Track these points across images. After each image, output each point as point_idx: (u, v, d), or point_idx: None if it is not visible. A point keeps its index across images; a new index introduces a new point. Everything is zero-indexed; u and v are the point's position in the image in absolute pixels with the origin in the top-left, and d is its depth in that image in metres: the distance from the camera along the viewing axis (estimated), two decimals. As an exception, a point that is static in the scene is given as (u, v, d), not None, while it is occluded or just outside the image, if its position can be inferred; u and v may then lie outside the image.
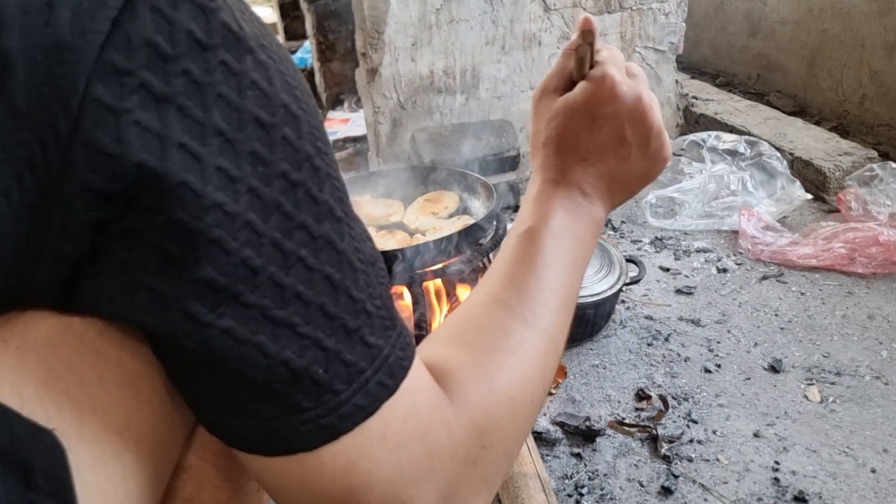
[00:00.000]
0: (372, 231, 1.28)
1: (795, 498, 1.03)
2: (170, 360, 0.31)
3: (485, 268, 1.25)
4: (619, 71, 0.52)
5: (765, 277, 1.61)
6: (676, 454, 1.11)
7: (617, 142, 0.52)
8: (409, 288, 1.13)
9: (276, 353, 0.30)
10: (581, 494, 1.05)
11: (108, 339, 0.30)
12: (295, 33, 3.49)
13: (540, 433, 1.16)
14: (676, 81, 2.32)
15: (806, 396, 1.24)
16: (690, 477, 1.07)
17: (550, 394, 1.26)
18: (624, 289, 1.47)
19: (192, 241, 0.27)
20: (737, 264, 1.68)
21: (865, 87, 2.33)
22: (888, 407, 1.20)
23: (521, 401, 0.41)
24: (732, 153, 1.97)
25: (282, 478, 0.33)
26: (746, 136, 2.02)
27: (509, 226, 1.31)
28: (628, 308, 1.52)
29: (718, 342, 1.40)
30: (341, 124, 2.72)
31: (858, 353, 1.34)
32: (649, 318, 1.49)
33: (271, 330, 0.30)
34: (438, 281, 1.21)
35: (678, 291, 1.58)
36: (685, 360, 1.35)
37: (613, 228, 1.90)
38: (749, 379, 1.29)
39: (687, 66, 3.12)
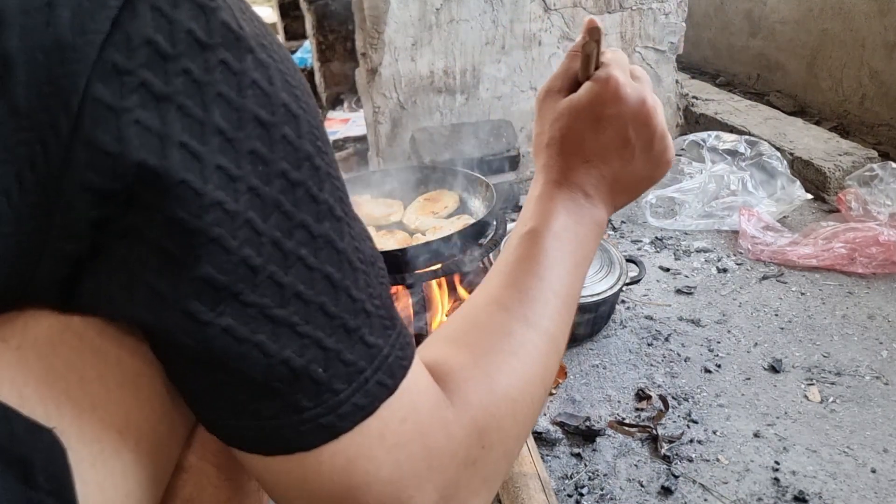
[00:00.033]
0: (372, 231, 1.28)
1: (795, 498, 1.03)
2: (169, 359, 0.31)
3: (486, 267, 1.25)
4: (624, 73, 0.52)
5: (765, 277, 1.61)
6: (676, 454, 1.11)
7: (620, 144, 0.52)
8: (410, 288, 1.13)
9: (276, 352, 0.30)
10: (581, 494, 1.05)
11: (108, 339, 0.30)
12: (295, 33, 3.49)
13: (540, 433, 1.16)
14: (676, 81, 2.32)
15: (806, 396, 1.24)
16: (690, 477, 1.07)
17: (551, 394, 1.26)
18: (624, 289, 1.47)
19: (192, 240, 0.27)
20: (737, 264, 1.68)
21: (865, 86, 2.33)
22: (888, 407, 1.20)
23: (522, 401, 0.41)
24: (732, 153, 1.97)
25: (281, 477, 0.33)
26: (746, 136, 2.02)
27: (510, 226, 1.32)
28: (628, 308, 1.52)
29: (718, 342, 1.40)
30: (341, 124, 2.72)
31: (858, 353, 1.34)
32: (649, 318, 1.49)
33: (271, 329, 0.30)
34: (438, 281, 1.21)
35: (678, 291, 1.58)
36: (685, 360, 1.35)
37: (613, 228, 1.90)
38: (749, 379, 1.29)
39: (687, 65, 3.12)
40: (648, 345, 1.39)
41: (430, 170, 1.47)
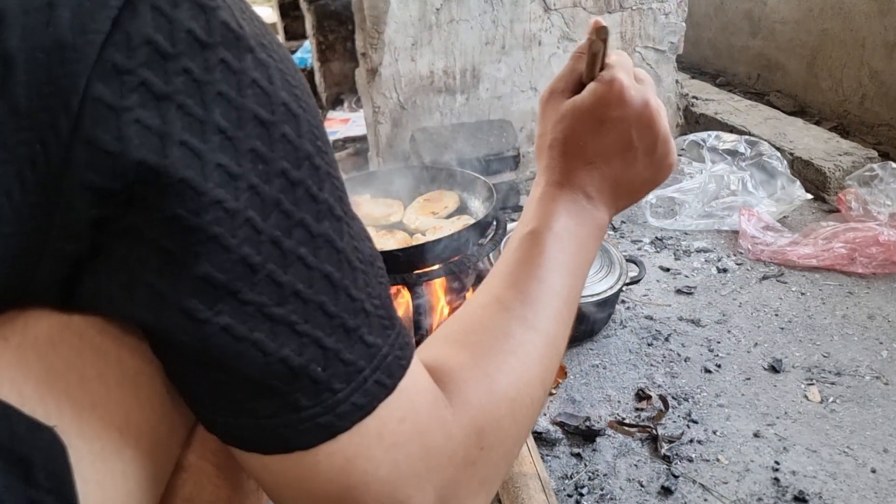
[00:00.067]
0: (372, 231, 1.28)
1: (795, 498, 1.03)
2: (168, 358, 0.31)
3: (486, 268, 1.25)
4: (628, 75, 0.52)
5: (765, 277, 1.61)
6: (676, 454, 1.11)
7: (623, 146, 0.52)
8: (410, 288, 1.13)
9: (275, 351, 0.30)
10: (581, 494, 1.05)
11: (108, 338, 0.30)
12: (295, 33, 3.49)
13: (540, 433, 1.16)
14: (676, 81, 2.32)
15: (806, 396, 1.24)
16: (690, 477, 1.07)
17: (550, 394, 1.26)
18: (624, 289, 1.47)
19: (192, 238, 0.27)
20: (737, 264, 1.68)
21: (866, 86, 2.33)
22: (888, 407, 1.20)
23: (521, 402, 0.41)
24: (732, 153, 1.97)
25: (279, 476, 0.33)
26: (746, 136, 2.02)
27: (510, 226, 1.32)
28: (628, 308, 1.52)
29: (718, 342, 1.40)
30: (341, 124, 2.72)
31: (858, 353, 1.34)
32: (649, 318, 1.49)
33: (269, 327, 0.30)
34: (439, 281, 1.21)
35: (678, 291, 1.58)
36: (685, 360, 1.35)
37: (613, 228, 1.90)
38: (749, 379, 1.29)
39: (687, 65, 3.12)
40: (648, 345, 1.39)
41: (429, 170, 1.47)
